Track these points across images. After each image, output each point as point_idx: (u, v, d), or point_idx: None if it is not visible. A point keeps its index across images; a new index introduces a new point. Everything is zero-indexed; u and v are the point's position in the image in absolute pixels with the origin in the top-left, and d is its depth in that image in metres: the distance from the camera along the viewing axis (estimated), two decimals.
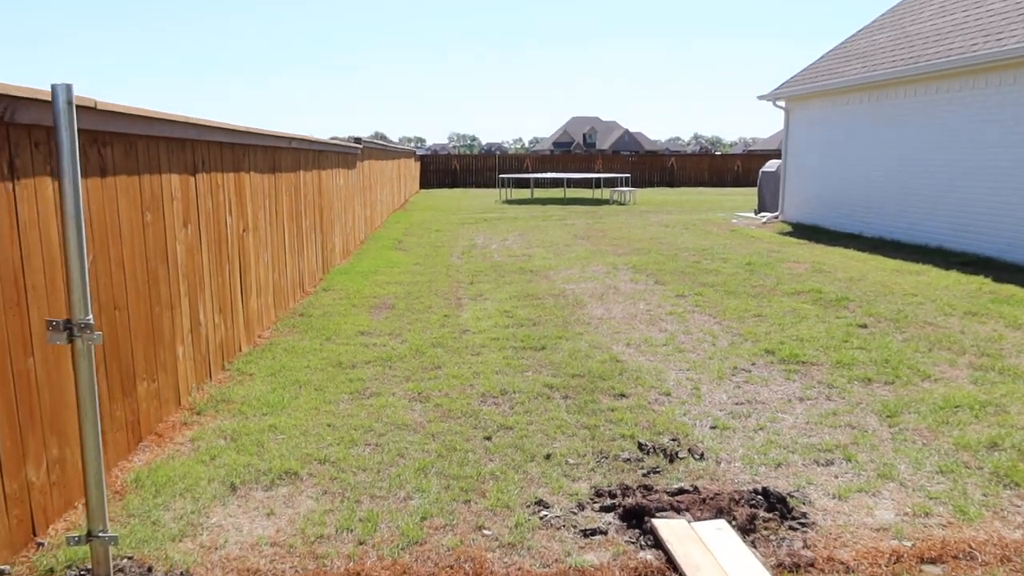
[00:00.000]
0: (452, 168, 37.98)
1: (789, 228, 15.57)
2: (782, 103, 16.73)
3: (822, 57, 16.46)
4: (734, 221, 17.38)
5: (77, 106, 2.68)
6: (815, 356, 5.93)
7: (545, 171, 35.76)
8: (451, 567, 2.99)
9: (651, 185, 37.60)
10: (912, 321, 7.05)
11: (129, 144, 4.18)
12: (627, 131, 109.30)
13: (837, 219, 14.83)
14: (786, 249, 12.22)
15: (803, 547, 3.12)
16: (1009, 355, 5.88)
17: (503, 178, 31.17)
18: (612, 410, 4.76)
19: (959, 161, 11.50)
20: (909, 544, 3.14)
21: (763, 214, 17.86)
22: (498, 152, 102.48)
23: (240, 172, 6.27)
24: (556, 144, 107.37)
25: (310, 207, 9.13)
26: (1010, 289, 8.44)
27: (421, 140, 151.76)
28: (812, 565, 2.98)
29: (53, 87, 2.52)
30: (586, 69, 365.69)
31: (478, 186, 37.15)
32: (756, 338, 6.50)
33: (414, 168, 31.95)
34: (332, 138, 11.53)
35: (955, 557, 3.04)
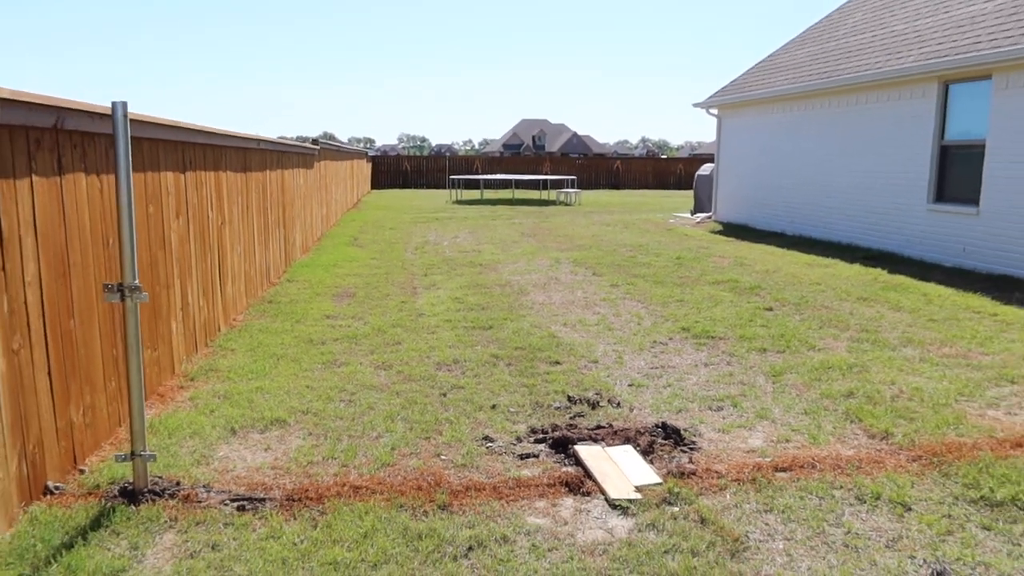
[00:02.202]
0: (403, 169, 38.59)
1: (720, 227, 16.75)
2: (715, 111, 17.93)
3: (751, 69, 17.70)
4: (671, 221, 18.53)
5: (100, 114, 3.42)
6: (723, 332, 6.92)
7: (495, 172, 36.66)
8: (417, 479, 3.84)
9: (597, 187, 38.80)
10: (811, 305, 8.12)
11: (137, 146, 4.92)
12: (576, 134, 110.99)
13: (763, 219, 16.04)
14: (714, 246, 13.33)
15: (688, 463, 4.05)
16: (884, 331, 6.97)
17: (454, 179, 31.94)
18: (548, 373, 5.65)
19: (866, 167, 12.74)
20: (768, 459, 4.09)
21: (698, 214, 19.05)
22: (448, 153, 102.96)
23: (219, 171, 6.99)
24: (506, 146, 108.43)
25: (274, 204, 9.83)
26: (900, 279, 9.62)
27: (371, 141, 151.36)
28: (694, 474, 3.90)
29: (113, 104, 3.30)
30: (536, 72, 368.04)
31: (429, 187, 37.86)
32: (676, 319, 7.47)
33: (366, 169, 32.51)
34: (280, 137, 12.21)
35: (801, 467, 4.00)
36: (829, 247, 12.88)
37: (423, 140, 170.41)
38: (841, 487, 3.78)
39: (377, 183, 37.12)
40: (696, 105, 18.18)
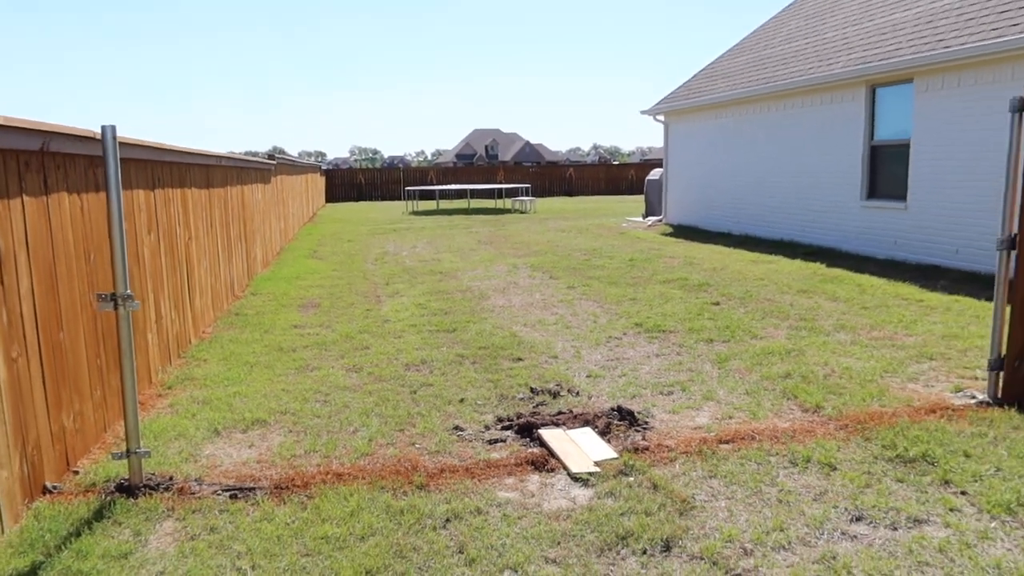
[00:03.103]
0: (358, 182, 38.68)
1: (670, 229, 17.35)
2: (661, 117, 18.56)
3: (694, 76, 18.37)
4: (623, 225, 19.08)
5: (81, 137, 3.69)
6: (674, 326, 7.37)
7: (449, 183, 36.99)
8: (395, 465, 4.16)
9: (551, 194, 39.37)
10: (755, 298, 8.63)
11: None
12: (528, 142, 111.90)
13: (711, 220, 16.67)
14: (665, 247, 13.87)
15: (642, 440, 4.45)
16: (820, 319, 7.50)
17: (409, 190, 32.19)
18: (511, 369, 6.02)
19: (804, 167, 13.42)
20: (713, 434, 4.52)
21: (649, 218, 19.65)
22: (402, 165, 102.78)
23: (184, 188, 7.23)
24: (459, 156, 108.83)
25: (236, 219, 10.04)
26: (837, 272, 10.23)
27: (322, 154, 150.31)
28: (647, 449, 4.30)
29: (103, 127, 3.58)
30: (487, 82, 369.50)
31: (384, 199, 38.01)
32: (629, 316, 7.90)
33: (320, 182, 32.57)
34: (229, 152, 12.40)
35: (742, 439, 4.43)
36: (773, 245, 13.51)
37: (375, 152, 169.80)
38: (777, 454, 4.21)
39: (332, 196, 37.15)
40: (643, 112, 18.78)
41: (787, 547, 3.25)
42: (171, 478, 3.99)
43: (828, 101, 12.69)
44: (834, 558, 3.15)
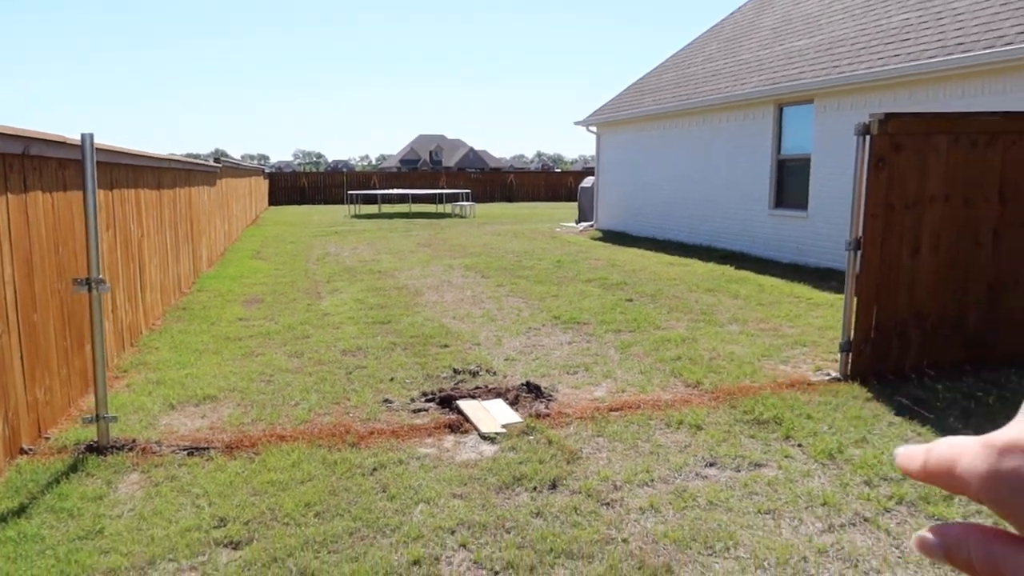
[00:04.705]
0: (301, 185, 38.84)
1: (600, 234, 18.30)
2: (594, 128, 19.52)
3: (625, 90, 19.40)
4: (557, 230, 19.98)
5: (55, 142, 4.28)
6: (588, 319, 8.19)
7: (392, 188, 37.44)
8: (331, 429, 4.84)
9: (493, 200, 40.17)
10: (665, 296, 9.53)
11: (77, 168, 5.72)
12: (472, 149, 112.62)
13: (638, 226, 17.67)
14: (592, 250, 14.77)
15: (545, 408, 5.22)
16: (718, 313, 8.41)
17: (351, 194, 32.54)
18: (438, 354, 6.74)
19: (721, 178, 14.48)
20: (606, 403, 5.32)
21: (582, 223, 20.59)
22: (345, 169, 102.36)
23: (138, 188, 7.75)
24: (403, 161, 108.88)
25: (183, 220, 10.52)
26: (743, 273, 11.23)
27: (265, 157, 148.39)
28: (548, 415, 5.07)
29: (82, 135, 4.19)
30: (433, 88, 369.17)
31: (327, 202, 38.24)
32: (550, 310, 8.70)
33: (263, 186, 32.71)
34: (169, 154, 12.84)
35: (629, 407, 5.24)
36: (691, 249, 14.53)
37: (319, 156, 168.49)
38: (656, 419, 5.03)
39: (275, 200, 37.23)
40: (577, 123, 19.72)
41: (649, 484, 4.05)
42: (134, 441, 4.60)
43: (742, 118, 13.77)
44: (685, 490, 3.96)
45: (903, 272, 5.79)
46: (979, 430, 3.38)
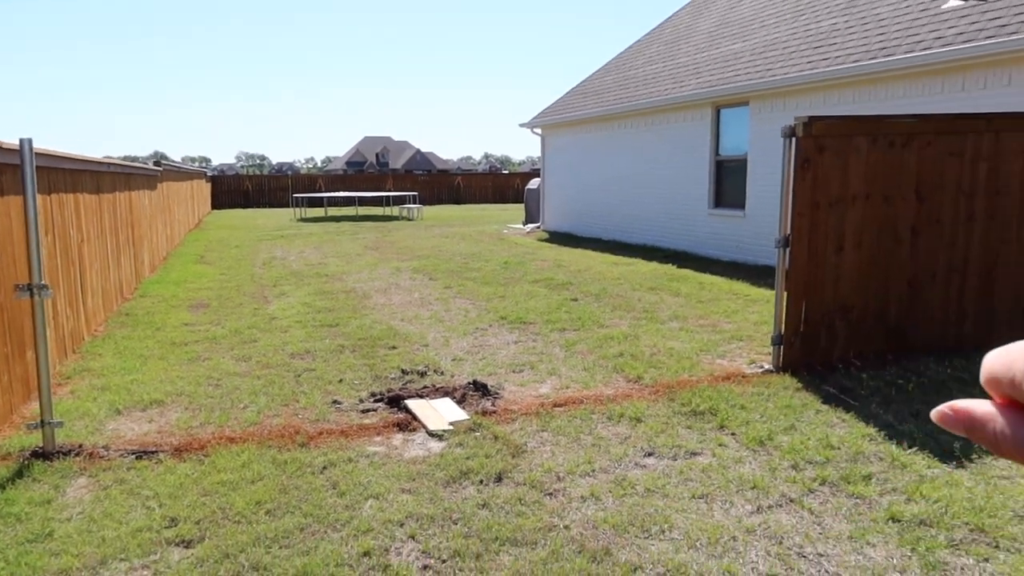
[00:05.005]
0: (245, 188, 38.27)
1: (547, 235, 18.54)
2: (539, 130, 19.76)
3: (569, 92, 19.68)
4: (504, 231, 20.16)
5: None
6: (534, 319, 8.37)
7: (338, 190, 37.16)
8: (280, 430, 4.91)
9: (440, 203, 40.17)
10: (609, 295, 9.77)
11: (13, 172, 5.65)
12: (419, 151, 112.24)
13: (584, 227, 17.96)
14: (539, 251, 14.98)
15: (491, 406, 5.37)
16: (660, 310, 8.68)
17: (297, 197, 32.23)
18: (386, 356, 6.83)
19: (663, 179, 14.83)
20: (551, 400, 5.49)
21: (529, 225, 20.81)
22: (290, 172, 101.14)
23: (77, 193, 7.65)
24: (349, 163, 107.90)
25: (124, 224, 10.37)
26: (685, 272, 11.56)
27: (207, 160, 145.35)
28: (495, 412, 5.22)
29: (20, 140, 4.18)
30: (378, 90, 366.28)
31: (272, 206, 37.75)
32: (497, 311, 8.85)
33: (205, 189, 32.16)
34: (105, 157, 12.64)
35: (573, 402, 5.42)
36: (636, 249, 14.85)
37: (263, 158, 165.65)
38: (598, 413, 5.22)
39: (217, 203, 36.60)
40: (522, 125, 19.93)
41: (591, 474, 4.23)
42: (80, 446, 4.60)
43: (682, 119, 14.14)
44: (624, 479, 4.15)
45: (829, 268, 6.10)
46: (899, 415, 3.71)
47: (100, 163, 8.67)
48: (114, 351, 7.11)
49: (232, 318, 8.63)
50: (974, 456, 4.35)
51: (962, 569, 3.24)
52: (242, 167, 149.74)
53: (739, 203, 12.71)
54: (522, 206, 34.24)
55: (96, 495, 3.95)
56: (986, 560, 3.30)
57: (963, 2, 9.35)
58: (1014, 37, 7.99)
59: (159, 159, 15.00)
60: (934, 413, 0.46)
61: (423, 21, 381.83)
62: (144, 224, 12.22)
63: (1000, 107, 7.78)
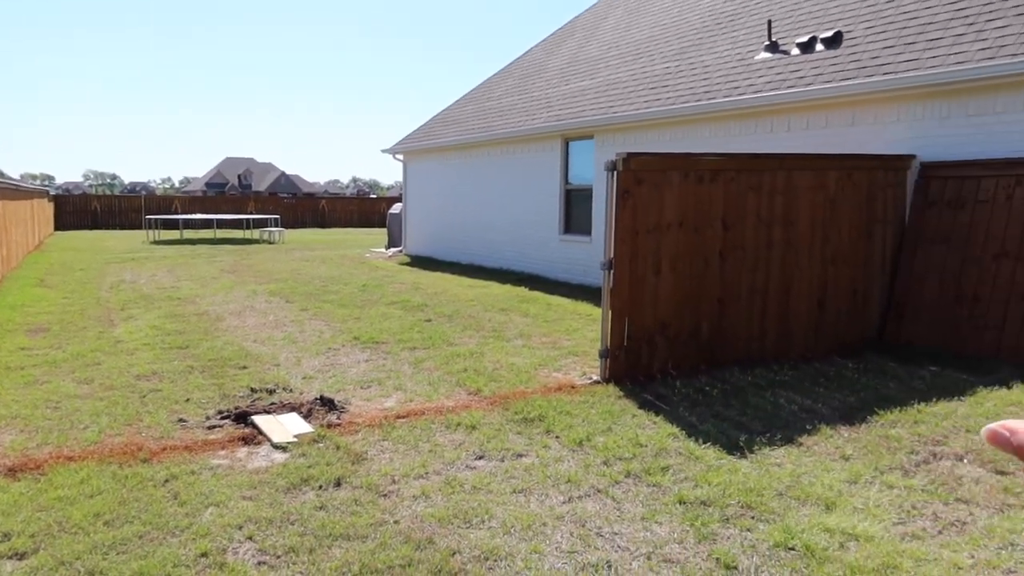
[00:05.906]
0: (92, 208, 36.25)
1: (409, 259, 18.87)
2: (400, 156, 20.12)
3: (430, 120, 20.19)
4: (367, 255, 20.30)
5: None
6: (386, 339, 8.68)
7: (196, 212, 35.90)
8: (122, 448, 4.99)
9: (304, 226, 39.58)
10: (462, 315, 10.22)
11: None
12: (284, 173, 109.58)
13: (444, 251, 18.42)
14: (399, 275, 15.29)
15: (336, 419, 5.65)
16: (508, 329, 9.21)
17: (150, 219, 30.90)
18: (236, 376, 6.95)
19: (518, 205, 15.54)
20: (394, 412, 5.84)
21: (391, 249, 21.06)
22: (144, 192, 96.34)
23: None
24: (209, 185, 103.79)
25: None
26: (535, 294, 12.22)
27: (50, 177, 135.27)
28: (339, 425, 5.51)
29: None
30: (239, 113, 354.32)
31: (123, 227, 35.95)
32: (351, 332, 9.10)
33: (48, 208, 30.30)
34: None
35: (415, 414, 5.79)
36: (492, 272, 15.44)
37: (114, 177, 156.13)
38: (438, 423, 5.61)
39: (61, 224, 34.48)
40: (384, 151, 20.22)
41: (424, 476, 4.61)
42: None
43: (535, 150, 14.92)
44: (454, 479, 4.56)
45: (648, 289, 6.81)
46: (701, 416, 4.43)
47: None
48: None
49: (74, 342, 8.42)
50: (755, 448, 5.07)
51: (728, 538, 3.86)
52: (90, 186, 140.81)
53: (586, 229, 13.55)
54: (387, 230, 34.41)
55: None
56: (749, 531, 3.94)
57: (771, 54, 10.58)
58: (810, 88, 9.16)
59: None
60: (985, 431, 0.44)
61: (292, 42, 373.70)
62: None
63: (802, 148, 8.89)
